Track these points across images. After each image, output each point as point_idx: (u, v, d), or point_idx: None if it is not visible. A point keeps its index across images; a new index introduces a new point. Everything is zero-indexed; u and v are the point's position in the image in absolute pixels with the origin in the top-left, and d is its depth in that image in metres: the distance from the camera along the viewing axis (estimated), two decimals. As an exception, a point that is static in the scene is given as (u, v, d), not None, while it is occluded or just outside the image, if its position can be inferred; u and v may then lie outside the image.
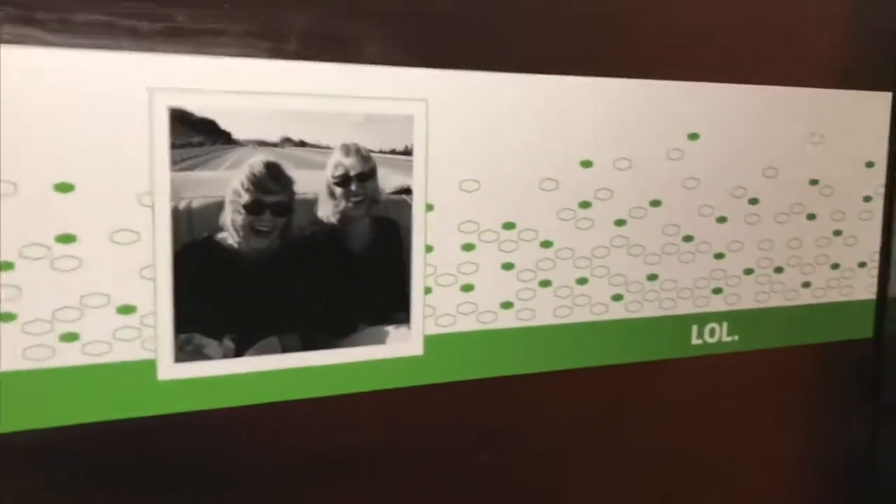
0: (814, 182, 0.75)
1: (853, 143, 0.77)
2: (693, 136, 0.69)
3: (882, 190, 0.79)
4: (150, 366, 0.54)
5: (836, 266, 0.78)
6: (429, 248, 0.61)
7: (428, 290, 0.61)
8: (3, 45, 0.48)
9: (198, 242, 0.54)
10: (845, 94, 0.76)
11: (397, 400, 0.61)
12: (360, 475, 0.62)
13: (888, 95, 0.78)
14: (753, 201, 0.73)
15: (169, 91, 0.52)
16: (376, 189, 0.59)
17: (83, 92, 0.50)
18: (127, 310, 0.53)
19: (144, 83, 0.52)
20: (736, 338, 0.74)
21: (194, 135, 0.53)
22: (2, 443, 0.51)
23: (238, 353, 0.56)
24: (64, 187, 0.50)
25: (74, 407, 0.52)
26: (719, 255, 0.72)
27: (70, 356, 0.52)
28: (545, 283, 0.66)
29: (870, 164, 0.78)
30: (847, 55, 0.76)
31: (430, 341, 0.62)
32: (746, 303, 0.74)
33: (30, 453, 0.52)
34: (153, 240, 0.53)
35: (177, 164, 0.53)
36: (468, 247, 0.62)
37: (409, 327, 0.61)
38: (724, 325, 0.74)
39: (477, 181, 0.62)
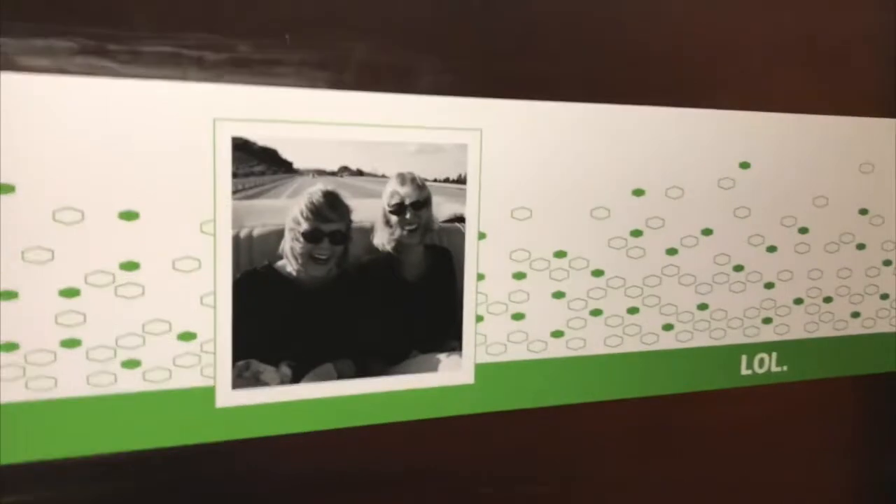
0: (864, 212, 0.75)
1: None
2: (744, 165, 0.69)
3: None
4: (209, 392, 0.54)
5: (885, 296, 0.77)
6: (480, 277, 0.61)
7: (479, 319, 0.61)
8: (73, 76, 0.49)
9: (258, 270, 0.54)
10: (896, 123, 0.75)
11: (448, 428, 0.61)
12: (408, 499, 0.62)
13: (939, 124, 0.77)
14: (803, 230, 0.72)
15: (232, 121, 0.53)
16: (430, 217, 0.59)
17: (149, 121, 0.51)
18: (188, 336, 0.53)
19: (209, 113, 0.52)
20: (785, 368, 0.74)
21: (256, 164, 0.54)
22: (66, 466, 0.51)
23: (295, 379, 0.56)
24: (129, 215, 0.51)
25: (135, 433, 0.52)
26: (769, 285, 0.72)
27: (132, 383, 0.52)
28: (596, 313, 0.65)
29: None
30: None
31: (481, 370, 0.62)
32: (796, 333, 0.74)
33: (90, 477, 0.52)
34: (214, 267, 0.53)
35: (238, 192, 0.53)
36: (519, 275, 0.62)
37: (461, 355, 0.61)
38: (774, 355, 0.73)
39: (529, 209, 0.62)
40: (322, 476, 0.59)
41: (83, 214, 0.50)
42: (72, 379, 0.51)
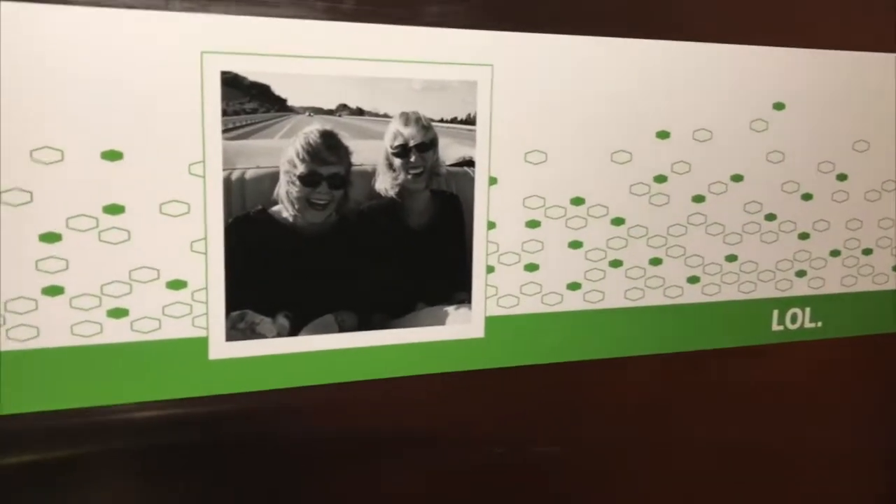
0: (910, 156, 0.69)
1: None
2: (778, 106, 0.64)
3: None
4: (201, 344, 0.51)
5: (931, 248, 0.72)
6: (491, 225, 0.57)
7: (490, 269, 0.58)
8: (46, 4, 0.46)
9: (251, 215, 0.51)
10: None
11: (459, 383, 0.58)
12: (414, 459, 0.59)
13: None
14: (842, 177, 0.67)
15: (221, 54, 0.49)
16: (437, 161, 0.55)
17: (132, 54, 0.47)
18: (177, 285, 0.50)
19: (196, 45, 0.49)
20: (819, 324, 0.69)
21: (247, 100, 0.50)
22: (49, 419, 0.49)
23: (293, 331, 0.53)
24: (112, 155, 0.48)
25: (123, 386, 0.50)
26: (804, 236, 0.67)
27: (119, 333, 0.49)
28: (616, 264, 0.61)
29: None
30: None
31: (492, 323, 0.58)
32: (832, 287, 0.69)
33: (80, 430, 0.50)
34: (204, 212, 0.50)
35: (229, 131, 0.50)
36: (533, 223, 0.58)
37: (470, 308, 0.57)
38: (808, 310, 0.68)
39: (544, 153, 0.58)
40: (324, 434, 0.56)
41: (63, 154, 0.47)
42: (55, 328, 0.48)
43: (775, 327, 0.67)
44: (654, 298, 0.63)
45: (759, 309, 0.66)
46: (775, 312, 0.67)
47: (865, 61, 0.66)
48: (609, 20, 0.58)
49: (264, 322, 0.52)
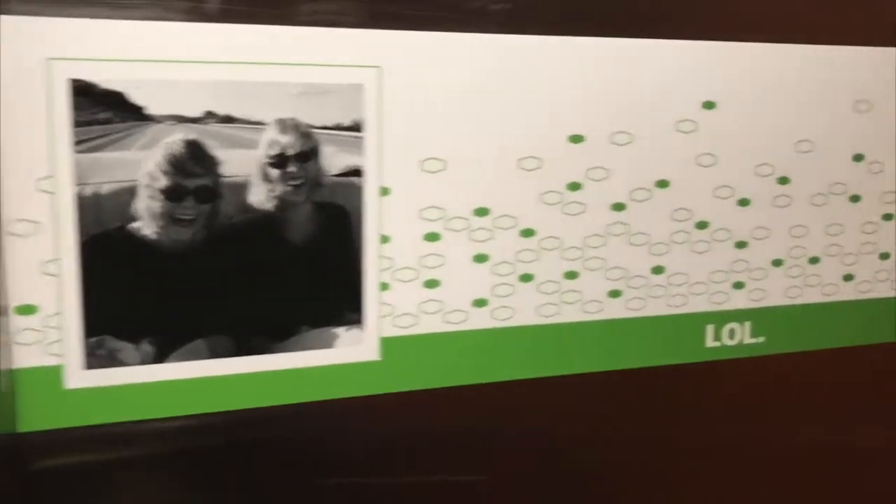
0: (859, 157, 0.64)
1: (909, 111, 0.65)
2: (708, 105, 0.59)
3: (945, 166, 0.67)
4: (55, 372, 0.48)
5: (885, 256, 0.66)
6: (385, 239, 0.53)
7: (384, 287, 0.53)
8: None
9: (108, 233, 0.47)
10: (901, 52, 0.64)
11: (352, 409, 0.54)
12: (299, 493, 0.55)
13: (955, 53, 0.66)
14: (783, 181, 0.62)
15: (70, 61, 0.46)
16: (319, 170, 0.51)
17: (-33, 63, 0.44)
18: (27, 310, 0.47)
19: (41, 51, 0.45)
20: (762, 339, 0.64)
21: (100, 110, 0.46)
22: None
23: (159, 358, 0.49)
24: (-52, 172, 0.44)
25: (-33, 419, 0.47)
26: (741, 244, 0.62)
27: (-39, 362, 0.46)
28: (526, 278, 0.57)
29: (931, 136, 0.66)
30: (903, 6, 0.64)
31: (389, 344, 0.54)
32: (774, 299, 0.64)
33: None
34: (55, 231, 0.46)
35: (81, 144, 0.46)
36: (432, 236, 0.54)
37: (362, 329, 0.53)
38: (748, 324, 0.63)
39: (442, 160, 0.53)
40: (202, 463, 0.52)
41: None
42: None
43: (710, 343, 0.62)
44: (572, 314, 0.58)
45: (691, 324, 0.62)
46: (710, 328, 0.62)
47: (808, 55, 0.61)
48: (513, 16, 0.54)
49: (126, 348, 0.48)
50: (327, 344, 0.52)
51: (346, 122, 0.51)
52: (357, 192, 0.52)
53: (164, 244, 0.48)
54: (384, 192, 0.52)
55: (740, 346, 0.63)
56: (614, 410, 0.61)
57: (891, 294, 0.67)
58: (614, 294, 0.59)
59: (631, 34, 0.56)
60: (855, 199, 0.64)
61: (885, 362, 0.67)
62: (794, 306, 0.64)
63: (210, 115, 0.48)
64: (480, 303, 0.56)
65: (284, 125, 0.50)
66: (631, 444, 0.61)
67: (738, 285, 0.62)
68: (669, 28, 0.57)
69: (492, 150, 0.54)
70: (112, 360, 0.48)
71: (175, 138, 0.48)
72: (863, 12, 0.63)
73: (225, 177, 0.49)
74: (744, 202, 0.61)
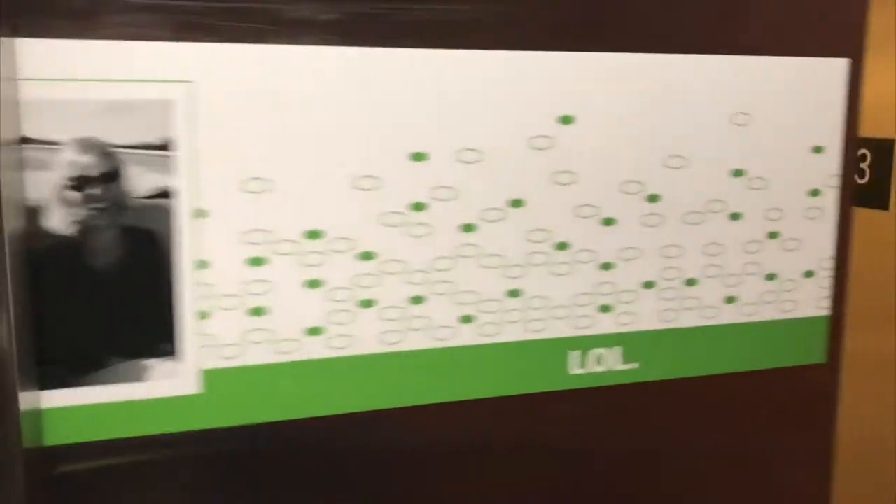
0: (738, 173, 0.61)
1: (794, 124, 0.61)
2: (566, 120, 0.56)
3: (835, 181, 0.63)
4: None
5: (771, 277, 0.63)
6: (202, 264, 0.50)
7: (203, 316, 0.50)
8: None
9: None
10: (783, 62, 0.60)
11: (176, 445, 0.51)
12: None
13: (843, 63, 0.62)
14: (653, 198, 0.59)
15: None
16: (123, 192, 0.48)
17: None
18: None
19: None
20: (635, 365, 0.61)
21: None
22: None
23: (-53, 394, 0.46)
24: None
25: None
26: (607, 266, 0.58)
27: None
28: (367, 304, 0.54)
29: (818, 150, 0.63)
30: (785, 12, 0.60)
31: (211, 377, 0.51)
32: (647, 323, 0.60)
33: None
34: None
35: None
36: (257, 261, 0.51)
37: (179, 361, 0.50)
38: (618, 350, 0.60)
39: (268, 180, 0.50)
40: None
41: None
42: None
43: (575, 370, 0.59)
44: (419, 342, 0.55)
45: (552, 350, 0.58)
46: (574, 354, 0.59)
47: (679, 65, 0.58)
48: (345, 27, 0.51)
49: None
50: (138, 377, 0.49)
51: (155, 140, 0.48)
52: (168, 215, 0.49)
53: (-51, 273, 0.45)
54: (200, 214, 0.49)
55: (610, 372, 0.60)
56: (473, 441, 0.58)
57: (779, 316, 0.64)
58: (466, 319, 0.56)
59: (479, 46, 0.53)
60: (735, 216, 0.61)
61: (767, 388, 0.64)
62: (670, 330, 0.61)
63: (-3, 136, 0.45)
64: (315, 331, 0.53)
65: (85, 145, 0.47)
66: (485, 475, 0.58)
67: (605, 308, 0.59)
68: (519, 38, 0.54)
69: (323, 168, 0.51)
70: None
71: (-42, 160, 0.45)
72: (738, 19, 0.59)
73: (16, 201, 0.46)
74: (608, 221, 0.58)
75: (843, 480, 0.67)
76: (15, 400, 0.43)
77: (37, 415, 0.48)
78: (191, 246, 0.49)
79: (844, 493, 0.68)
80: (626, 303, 0.59)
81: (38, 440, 0.48)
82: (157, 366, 0.50)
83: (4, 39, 0.44)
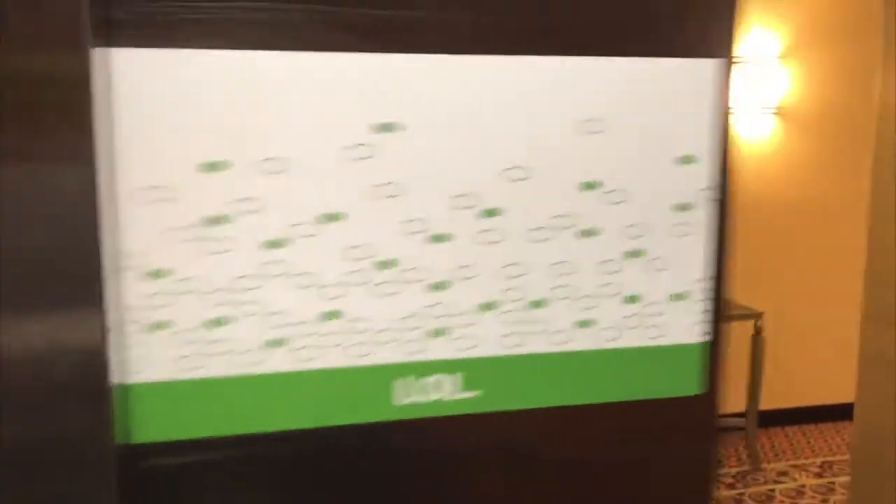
0: (590, 186, 0.55)
1: (658, 132, 0.56)
2: (387, 128, 0.51)
3: (708, 195, 0.58)
4: None
5: (633, 299, 0.57)
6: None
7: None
8: None
9: None
10: (644, 63, 0.55)
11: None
12: None
13: (717, 63, 0.57)
14: (491, 213, 0.54)
15: None
16: None
17: None
18: None
19: None
20: (476, 394, 0.56)
21: None
22: None
23: None
24: None
25: None
26: (439, 286, 0.54)
27: None
28: (160, 326, 0.50)
29: (687, 160, 0.57)
30: (644, 8, 0.55)
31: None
32: (489, 348, 0.55)
33: None
34: None
35: None
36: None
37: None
38: (457, 377, 0.55)
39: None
40: None
41: None
42: None
43: (402, 400, 0.54)
44: (219, 367, 0.51)
45: (376, 377, 0.54)
46: (399, 381, 0.54)
47: (520, 65, 0.53)
48: (130, 26, 0.47)
49: None
50: None
51: None
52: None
53: None
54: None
55: (445, 402, 0.55)
56: (290, 476, 0.53)
57: (644, 343, 0.58)
58: (275, 343, 0.52)
59: (284, 47, 0.49)
60: (588, 233, 0.56)
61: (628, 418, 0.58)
62: (515, 357, 0.56)
63: None
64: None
65: None
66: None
67: (439, 333, 0.54)
68: (331, 41, 0.50)
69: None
70: None
71: None
72: (585, 16, 0.54)
73: None
74: (440, 238, 0.53)
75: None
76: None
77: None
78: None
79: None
80: (464, 326, 0.55)
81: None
82: None
83: None
